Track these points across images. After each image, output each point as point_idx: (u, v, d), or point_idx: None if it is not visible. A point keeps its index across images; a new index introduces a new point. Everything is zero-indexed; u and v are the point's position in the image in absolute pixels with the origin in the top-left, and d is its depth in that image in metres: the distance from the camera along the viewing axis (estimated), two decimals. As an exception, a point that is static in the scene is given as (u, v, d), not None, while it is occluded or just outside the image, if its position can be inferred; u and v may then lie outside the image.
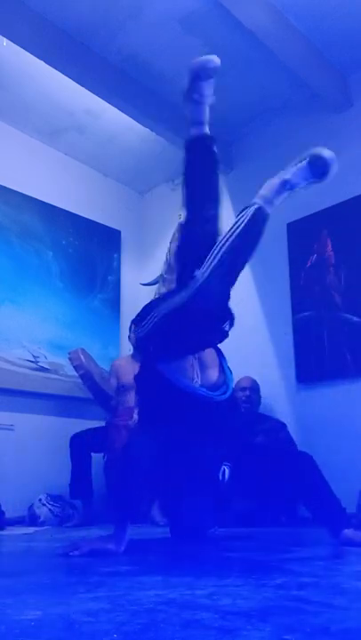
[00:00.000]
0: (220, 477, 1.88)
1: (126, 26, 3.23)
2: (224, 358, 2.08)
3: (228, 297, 1.90)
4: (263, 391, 3.53)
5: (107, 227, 4.53)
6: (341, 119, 3.62)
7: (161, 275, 4.48)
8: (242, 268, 1.89)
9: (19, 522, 3.33)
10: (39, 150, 4.22)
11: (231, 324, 1.92)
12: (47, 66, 3.26)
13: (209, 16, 3.13)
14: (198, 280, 1.78)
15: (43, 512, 3.34)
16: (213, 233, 1.98)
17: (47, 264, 4.05)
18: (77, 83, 3.40)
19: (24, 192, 4.00)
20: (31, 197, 4.03)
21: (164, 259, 4.49)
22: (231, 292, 1.96)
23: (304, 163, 1.95)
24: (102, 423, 3.71)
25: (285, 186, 1.95)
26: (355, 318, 3.32)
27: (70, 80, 3.37)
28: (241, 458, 1.94)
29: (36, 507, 3.37)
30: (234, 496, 2.25)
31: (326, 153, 1.95)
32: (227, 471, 1.90)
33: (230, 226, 1.88)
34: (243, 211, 1.90)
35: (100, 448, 3.56)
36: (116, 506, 1.79)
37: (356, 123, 3.56)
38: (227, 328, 1.92)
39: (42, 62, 3.24)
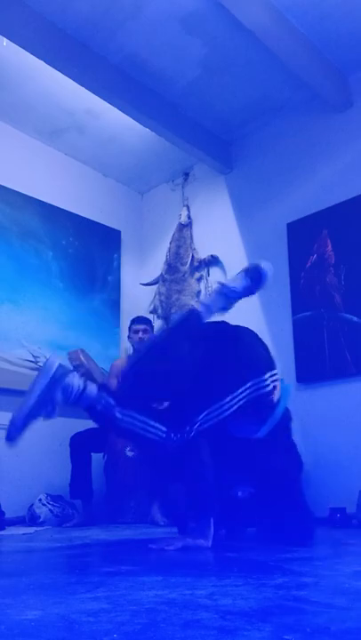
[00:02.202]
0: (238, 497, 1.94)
1: (126, 26, 3.23)
2: None
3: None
4: (263, 391, 3.53)
5: (107, 227, 4.53)
6: (341, 119, 3.63)
7: (161, 275, 4.51)
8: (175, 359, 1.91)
9: (19, 522, 3.33)
10: (39, 150, 4.22)
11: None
12: (47, 66, 3.27)
13: (209, 16, 3.13)
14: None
15: (43, 512, 3.34)
16: None
17: (47, 264, 4.05)
18: (77, 83, 3.40)
19: (24, 192, 4.00)
20: (31, 197, 4.03)
21: (164, 259, 4.51)
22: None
23: (242, 272, 2.08)
24: (102, 423, 3.71)
25: (222, 291, 2.07)
26: (355, 318, 3.32)
27: (70, 80, 3.38)
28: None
29: (36, 507, 3.37)
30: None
31: (263, 265, 2.08)
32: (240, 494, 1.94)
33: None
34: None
35: (100, 448, 3.56)
36: (197, 507, 1.88)
37: (356, 123, 3.56)
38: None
39: (42, 62, 3.24)
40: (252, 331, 2.10)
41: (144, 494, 3.37)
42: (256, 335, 2.10)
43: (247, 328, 2.11)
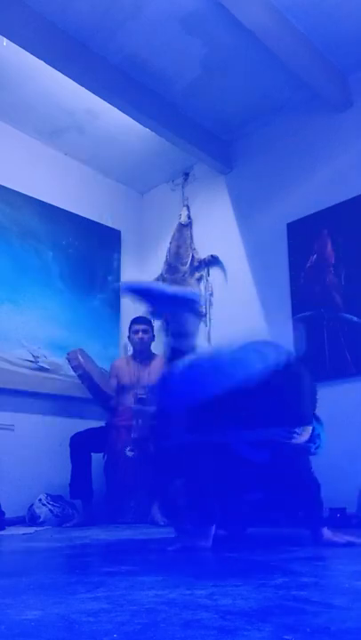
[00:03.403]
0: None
1: (126, 26, 3.22)
2: None
3: None
4: (263, 391, 3.53)
5: (107, 227, 4.54)
6: (341, 119, 3.63)
7: (161, 275, 4.51)
8: None
9: (19, 522, 3.33)
10: (39, 150, 4.22)
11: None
12: (47, 66, 3.27)
13: (209, 16, 3.13)
14: None
15: (43, 512, 3.34)
16: None
17: (47, 264, 4.05)
18: (77, 83, 3.40)
19: (24, 192, 4.00)
20: (31, 197, 4.03)
21: (164, 259, 4.51)
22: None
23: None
24: (102, 423, 3.71)
25: None
26: (355, 318, 3.32)
27: (70, 80, 3.38)
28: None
29: (36, 507, 3.37)
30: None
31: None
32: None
33: None
34: None
35: (100, 448, 3.56)
36: (200, 510, 1.91)
37: (356, 123, 3.56)
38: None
39: (42, 62, 3.24)
40: (307, 373, 1.95)
41: (144, 494, 3.37)
42: (311, 380, 1.95)
43: (305, 369, 1.96)
